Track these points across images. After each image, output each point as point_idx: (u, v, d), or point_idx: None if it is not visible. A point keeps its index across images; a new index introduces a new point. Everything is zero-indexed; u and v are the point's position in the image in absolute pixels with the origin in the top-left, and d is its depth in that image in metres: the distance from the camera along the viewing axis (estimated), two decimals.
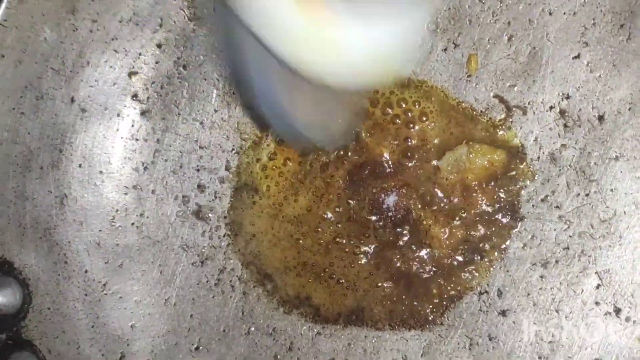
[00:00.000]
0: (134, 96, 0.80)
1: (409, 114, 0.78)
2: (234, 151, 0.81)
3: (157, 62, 0.80)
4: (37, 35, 0.74)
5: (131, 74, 0.80)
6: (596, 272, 0.74)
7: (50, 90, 0.77)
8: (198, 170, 0.81)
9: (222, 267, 0.80)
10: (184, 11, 0.80)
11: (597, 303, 0.74)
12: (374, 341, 0.78)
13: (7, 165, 0.75)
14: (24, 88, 0.75)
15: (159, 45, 0.80)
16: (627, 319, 0.74)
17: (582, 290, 0.75)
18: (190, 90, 0.81)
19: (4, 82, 0.73)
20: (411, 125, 0.77)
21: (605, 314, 0.74)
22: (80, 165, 0.79)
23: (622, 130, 0.75)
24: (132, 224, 0.80)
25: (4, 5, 0.71)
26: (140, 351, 0.79)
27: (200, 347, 0.79)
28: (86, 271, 0.79)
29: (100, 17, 0.77)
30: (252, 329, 0.79)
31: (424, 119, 0.77)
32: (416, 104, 0.78)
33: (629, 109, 0.75)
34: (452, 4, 0.78)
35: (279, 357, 0.78)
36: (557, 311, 0.75)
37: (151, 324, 0.79)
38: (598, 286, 0.74)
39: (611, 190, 0.75)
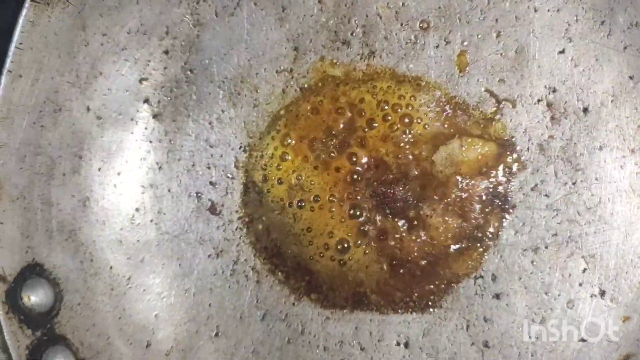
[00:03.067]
0: (146, 101, 0.84)
1: (407, 108, 0.81)
2: (241, 149, 0.85)
3: (165, 68, 0.84)
4: (51, 53, 0.78)
5: (142, 80, 0.84)
6: (582, 257, 0.78)
7: (66, 103, 0.80)
8: (209, 168, 0.85)
9: (236, 258, 0.85)
10: (188, 18, 0.84)
11: (583, 286, 0.78)
12: (378, 324, 0.83)
13: (33, 175, 0.79)
14: (43, 103, 0.78)
15: (166, 52, 0.84)
16: (612, 300, 0.78)
17: (570, 274, 0.78)
18: (198, 93, 0.84)
19: (23, 100, 0.77)
20: (407, 120, 0.81)
21: (591, 296, 0.78)
22: (99, 169, 0.83)
23: (606, 121, 0.78)
24: (151, 220, 0.85)
25: (18, 29, 0.74)
26: (164, 339, 0.83)
27: (219, 334, 0.84)
28: (111, 267, 0.83)
29: (109, 30, 0.81)
30: (266, 315, 0.84)
31: (420, 113, 0.81)
32: (412, 98, 0.81)
33: (612, 102, 0.78)
34: (441, 3, 0.80)
35: (291, 341, 0.83)
36: (546, 294, 0.79)
37: (173, 313, 0.84)
38: (584, 270, 0.78)
39: (596, 178, 0.78)
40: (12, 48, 0.74)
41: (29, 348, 0.73)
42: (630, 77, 0.77)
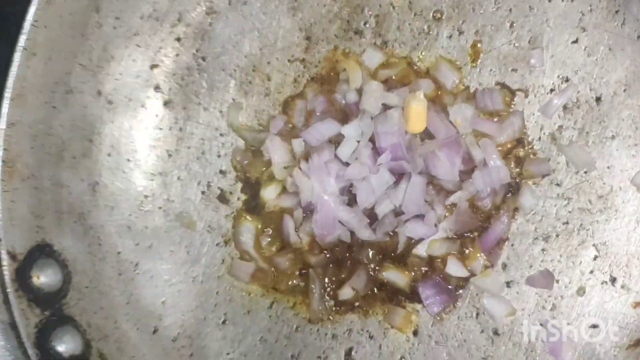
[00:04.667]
0: (157, 87, 0.84)
1: None
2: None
3: (177, 55, 0.84)
4: (65, 33, 0.78)
5: (153, 66, 0.84)
6: (594, 245, 0.78)
7: (78, 85, 0.80)
8: (219, 156, 0.85)
9: None
10: (201, 5, 0.84)
11: (594, 273, 0.79)
12: (387, 310, 0.82)
13: (43, 154, 0.78)
14: (55, 83, 0.78)
15: (178, 39, 0.84)
16: (622, 287, 0.78)
17: (581, 262, 0.79)
18: (209, 81, 0.85)
19: (36, 78, 0.76)
20: None
21: (602, 283, 0.78)
22: (109, 154, 0.83)
23: (618, 110, 0.79)
24: (160, 207, 0.84)
25: (34, 6, 0.74)
26: (172, 325, 0.83)
27: (227, 321, 0.83)
28: (119, 252, 0.83)
29: (122, 14, 0.81)
30: (274, 303, 0.84)
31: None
32: None
33: (624, 91, 0.78)
34: None
35: (299, 329, 0.83)
36: (557, 281, 0.79)
37: (180, 300, 0.84)
38: (595, 257, 0.78)
39: (608, 167, 0.79)
40: (27, 25, 0.73)
41: (37, 327, 0.73)
42: None
